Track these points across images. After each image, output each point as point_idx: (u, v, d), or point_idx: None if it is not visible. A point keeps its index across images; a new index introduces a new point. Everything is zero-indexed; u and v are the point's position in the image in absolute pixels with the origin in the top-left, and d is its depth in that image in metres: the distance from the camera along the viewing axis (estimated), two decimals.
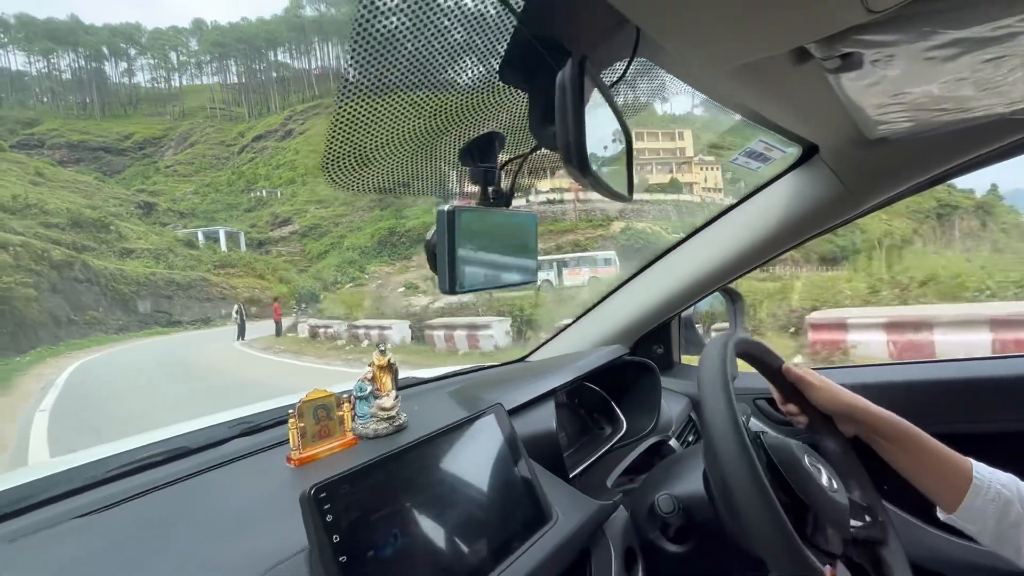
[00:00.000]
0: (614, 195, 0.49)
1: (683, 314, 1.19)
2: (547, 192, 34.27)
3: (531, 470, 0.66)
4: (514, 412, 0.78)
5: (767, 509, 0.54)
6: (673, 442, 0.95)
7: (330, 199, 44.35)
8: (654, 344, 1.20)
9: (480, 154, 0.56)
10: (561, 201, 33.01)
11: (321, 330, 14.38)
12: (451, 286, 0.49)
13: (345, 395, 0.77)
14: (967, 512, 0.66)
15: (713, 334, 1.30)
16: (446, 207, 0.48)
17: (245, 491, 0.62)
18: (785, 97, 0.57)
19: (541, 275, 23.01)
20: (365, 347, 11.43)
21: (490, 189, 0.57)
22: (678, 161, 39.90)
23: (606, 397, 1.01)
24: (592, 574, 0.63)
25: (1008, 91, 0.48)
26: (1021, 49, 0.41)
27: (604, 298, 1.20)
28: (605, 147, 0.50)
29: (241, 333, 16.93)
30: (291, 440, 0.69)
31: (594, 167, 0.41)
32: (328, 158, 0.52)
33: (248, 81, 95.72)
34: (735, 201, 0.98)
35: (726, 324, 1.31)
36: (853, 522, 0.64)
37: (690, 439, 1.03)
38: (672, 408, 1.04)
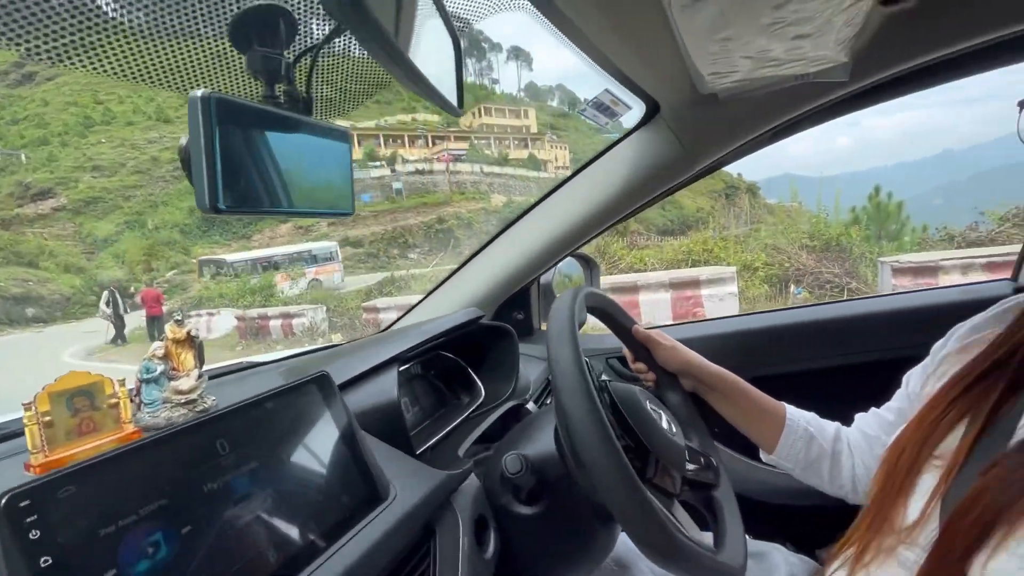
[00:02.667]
0: (445, 104, 0.48)
1: (542, 281, 1.28)
2: (415, 161, 33.92)
3: (364, 446, 0.64)
4: (351, 383, 0.75)
5: (609, 451, 0.55)
6: (531, 405, 1.01)
7: (114, 165, 36.05)
8: (514, 311, 1.27)
9: (258, 34, 0.46)
10: (431, 172, 32.96)
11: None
12: (211, 201, 0.42)
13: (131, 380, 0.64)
14: (782, 451, 0.82)
15: None
16: (199, 93, 0.40)
17: None
18: (632, 41, 0.61)
19: None
20: None
21: (278, 88, 0.48)
22: (529, 137, 43.37)
23: (463, 365, 1.03)
24: (436, 549, 0.63)
25: (809, 52, 0.58)
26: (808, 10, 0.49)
27: (458, 269, 1.21)
28: (435, 54, 0.49)
29: (120, 334, 12.93)
30: (28, 440, 0.55)
31: (424, 73, 0.41)
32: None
33: None
34: (582, 165, 1.08)
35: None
36: (689, 465, 0.71)
37: (547, 401, 1.12)
38: (531, 372, 1.11)
